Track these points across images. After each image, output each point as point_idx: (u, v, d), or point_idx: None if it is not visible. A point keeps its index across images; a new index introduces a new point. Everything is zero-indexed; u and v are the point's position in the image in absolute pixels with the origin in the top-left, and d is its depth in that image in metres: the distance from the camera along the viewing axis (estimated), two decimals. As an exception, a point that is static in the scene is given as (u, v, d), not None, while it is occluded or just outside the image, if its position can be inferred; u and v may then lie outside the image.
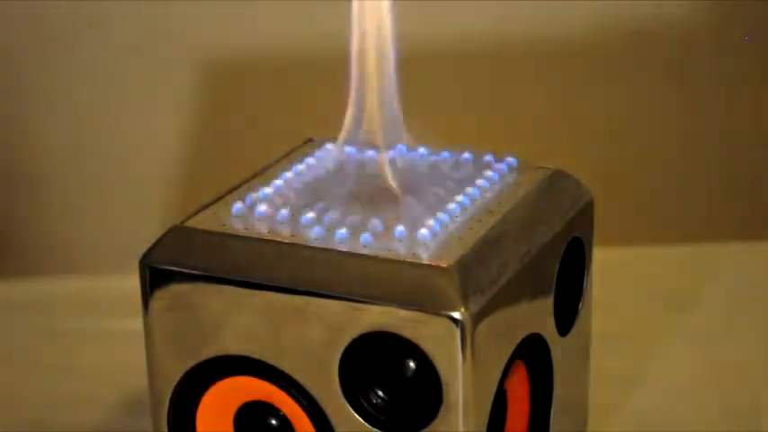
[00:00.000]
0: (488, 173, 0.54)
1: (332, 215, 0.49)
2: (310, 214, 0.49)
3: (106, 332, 0.73)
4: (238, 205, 0.51)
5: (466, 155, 0.55)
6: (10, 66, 0.91)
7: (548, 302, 0.52)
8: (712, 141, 0.94)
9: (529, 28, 0.90)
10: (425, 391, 0.45)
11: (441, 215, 0.49)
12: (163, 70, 0.91)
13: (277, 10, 0.89)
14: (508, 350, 0.49)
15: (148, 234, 0.51)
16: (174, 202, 0.92)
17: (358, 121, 0.53)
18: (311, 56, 0.89)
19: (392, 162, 0.53)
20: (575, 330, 0.55)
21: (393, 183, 0.51)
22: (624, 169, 0.93)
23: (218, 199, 0.52)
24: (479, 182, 0.53)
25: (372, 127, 0.53)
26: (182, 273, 0.49)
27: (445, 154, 0.55)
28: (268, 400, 0.49)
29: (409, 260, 0.46)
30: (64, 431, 0.64)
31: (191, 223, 0.50)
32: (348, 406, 0.47)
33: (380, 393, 0.47)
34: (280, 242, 0.48)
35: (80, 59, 0.91)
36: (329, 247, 0.48)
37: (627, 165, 0.93)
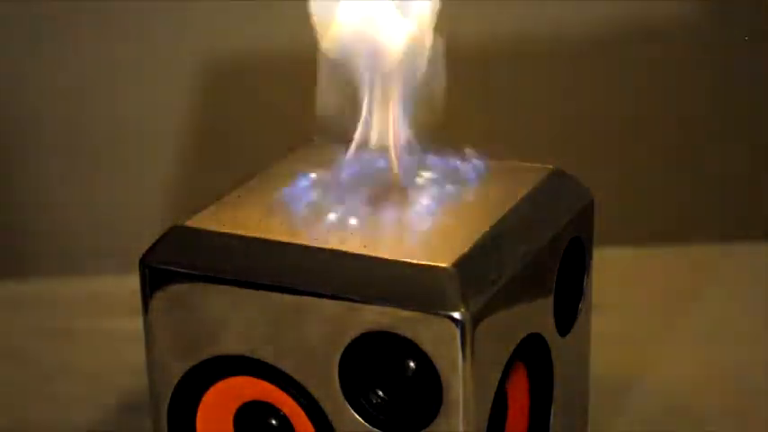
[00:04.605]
0: (488, 172, 0.54)
1: (332, 215, 0.49)
2: (310, 214, 0.49)
3: (106, 332, 0.73)
4: (239, 205, 0.51)
5: (466, 154, 0.55)
6: (10, 65, 0.91)
7: (548, 302, 0.52)
8: (713, 141, 0.94)
9: (529, 28, 0.90)
10: (425, 391, 0.45)
11: (441, 215, 0.49)
12: (163, 70, 0.91)
13: (277, 10, 0.89)
14: (508, 350, 0.49)
15: (148, 234, 0.51)
16: (174, 202, 0.92)
17: (358, 120, 0.53)
18: (311, 56, 0.89)
19: (392, 162, 0.53)
20: (575, 330, 0.55)
21: (393, 182, 0.51)
22: (624, 169, 0.93)
23: (218, 199, 0.52)
24: (479, 181, 0.53)
25: (373, 127, 0.53)
26: (182, 273, 0.49)
27: (445, 153, 0.55)
28: (268, 400, 0.49)
29: (409, 260, 0.46)
30: (64, 431, 0.64)
31: (191, 223, 0.50)
32: (348, 406, 0.47)
33: (380, 393, 0.47)
34: (280, 242, 0.48)
35: (80, 59, 0.91)
36: (329, 247, 0.48)
37: (627, 165, 0.93)
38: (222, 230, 0.50)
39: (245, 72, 0.91)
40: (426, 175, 0.53)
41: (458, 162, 0.54)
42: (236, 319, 0.48)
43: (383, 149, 0.53)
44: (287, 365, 0.48)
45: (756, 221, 0.92)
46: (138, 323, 0.51)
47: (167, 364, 0.50)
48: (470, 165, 0.54)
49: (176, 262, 0.49)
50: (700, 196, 0.94)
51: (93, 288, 0.79)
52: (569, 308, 0.55)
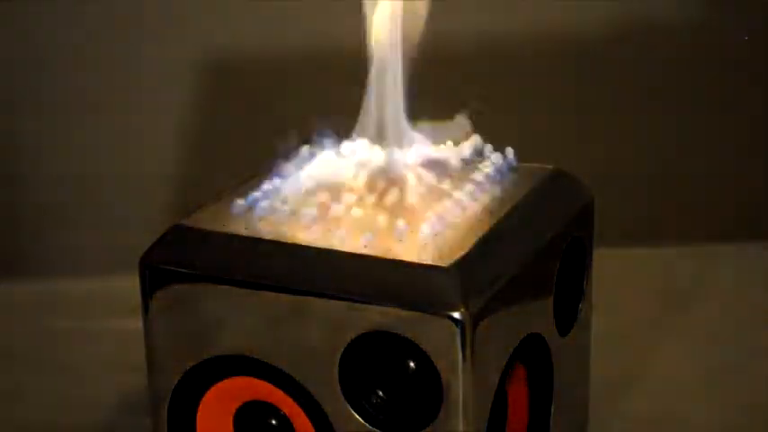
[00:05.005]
0: (488, 172, 0.53)
1: (332, 215, 0.49)
2: (310, 214, 0.49)
3: (106, 332, 0.73)
4: (238, 205, 0.51)
5: (466, 154, 0.55)
6: (9, 66, 0.91)
7: (548, 302, 0.52)
8: (712, 141, 0.94)
9: (529, 27, 0.90)
10: (425, 391, 0.45)
11: (441, 215, 0.49)
12: (163, 70, 0.91)
13: (277, 10, 0.89)
14: (508, 350, 0.49)
15: (148, 234, 0.51)
16: (174, 202, 0.92)
17: (359, 119, 0.53)
18: (312, 56, 0.89)
19: (392, 161, 0.53)
20: (575, 330, 0.55)
21: (393, 182, 0.51)
22: (624, 169, 0.93)
23: (219, 199, 0.52)
24: (479, 181, 0.53)
25: (374, 126, 0.53)
26: (182, 273, 0.49)
27: (445, 153, 0.55)
28: (268, 400, 0.49)
29: (409, 260, 0.46)
30: (64, 431, 0.64)
31: (191, 223, 0.50)
32: (348, 406, 0.47)
33: (380, 393, 0.47)
34: (280, 242, 0.48)
35: (80, 59, 0.91)
36: (329, 247, 0.48)
37: (627, 165, 0.93)
38: (222, 230, 0.50)
39: (244, 72, 0.91)
40: (427, 174, 0.53)
41: (458, 161, 0.54)
42: (236, 319, 0.48)
43: (383, 149, 0.53)
44: (287, 366, 0.48)
45: (756, 221, 0.92)
46: (138, 323, 0.51)
47: (167, 364, 0.50)
48: (471, 165, 0.54)
49: (176, 262, 0.49)
50: (700, 196, 0.94)
51: (94, 288, 0.79)
52: (569, 308, 0.55)
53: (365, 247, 0.47)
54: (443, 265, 0.46)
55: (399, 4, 0.52)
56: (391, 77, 0.52)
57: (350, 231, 0.48)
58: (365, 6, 0.52)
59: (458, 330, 0.44)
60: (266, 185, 0.52)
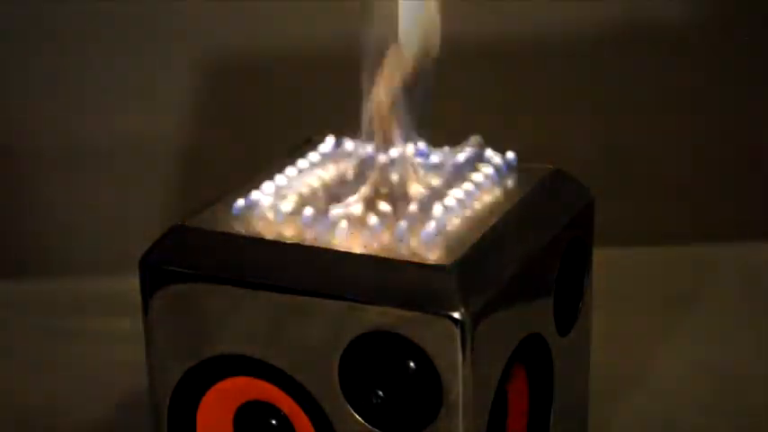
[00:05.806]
0: (488, 173, 0.53)
1: (332, 215, 0.49)
2: (310, 214, 0.49)
3: (106, 332, 0.73)
4: (239, 205, 0.51)
5: (466, 154, 0.55)
6: (9, 65, 0.91)
7: (548, 302, 0.52)
8: (712, 141, 0.94)
9: (530, 26, 0.91)
10: (425, 391, 0.45)
11: (441, 215, 0.49)
12: (163, 70, 0.91)
13: (278, 10, 0.89)
14: (508, 350, 0.49)
15: (148, 234, 0.51)
16: (174, 202, 0.92)
17: (360, 119, 0.53)
18: (311, 56, 0.89)
19: (393, 161, 0.53)
20: (575, 330, 0.55)
21: (393, 182, 0.51)
22: (624, 169, 0.93)
23: (219, 199, 0.52)
24: (479, 181, 0.53)
25: (374, 126, 0.53)
26: (182, 273, 0.49)
27: (446, 153, 0.55)
28: (268, 400, 0.49)
29: (409, 260, 0.46)
30: (64, 431, 0.64)
31: (191, 223, 0.50)
32: (348, 406, 0.47)
33: (380, 393, 0.47)
34: (280, 242, 0.48)
35: (80, 59, 0.91)
36: (329, 247, 0.48)
37: (627, 165, 0.93)
38: (222, 230, 0.50)
39: (245, 71, 0.91)
40: (427, 175, 0.53)
41: (458, 162, 0.54)
42: (236, 319, 0.48)
43: (384, 149, 0.53)
44: (287, 365, 0.48)
45: (756, 221, 0.92)
46: (138, 323, 0.51)
47: (167, 364, 0.50)
48: (471, 165, 0.54)
49: (176, 262, 0.49)
50: (699, 196, 0.94)
51: (94, 288, 0.79)
52: (569, 308, 0.55)
53: (365, 247, 0.47)
54: (443, 264, 0.46)
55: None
56: (397, 78, 0.52)
57: (350, 231, 0.48)
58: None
59: (458, 330, 0.44)
60: (266, 185, 0.52)
